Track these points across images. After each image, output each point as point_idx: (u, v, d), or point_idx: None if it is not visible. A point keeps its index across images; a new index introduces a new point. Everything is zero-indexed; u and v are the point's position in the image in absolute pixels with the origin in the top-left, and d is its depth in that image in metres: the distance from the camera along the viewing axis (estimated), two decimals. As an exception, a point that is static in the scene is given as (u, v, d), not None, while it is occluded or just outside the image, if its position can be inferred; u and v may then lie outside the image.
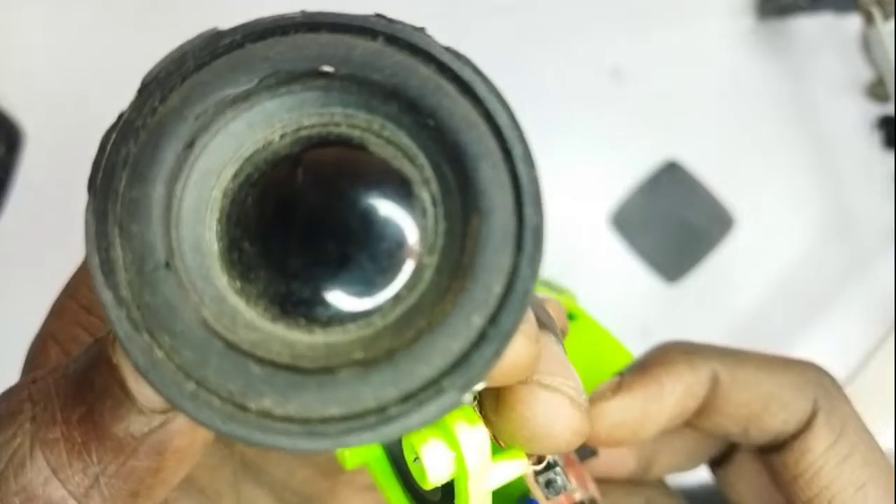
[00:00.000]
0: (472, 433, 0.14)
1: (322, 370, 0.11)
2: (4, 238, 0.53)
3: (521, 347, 0.13)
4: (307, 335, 0.11)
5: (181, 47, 0.12)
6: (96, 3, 0.58)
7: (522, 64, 0.62)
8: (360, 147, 0.11)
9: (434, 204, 0.11)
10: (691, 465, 0.27)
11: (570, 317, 0.28)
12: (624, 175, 0.60)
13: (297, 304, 0.11)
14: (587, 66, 0.61)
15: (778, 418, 0.22)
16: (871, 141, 0.59)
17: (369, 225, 0.11)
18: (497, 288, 0.11)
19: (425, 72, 0.11)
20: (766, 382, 0.23)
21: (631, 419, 0.22)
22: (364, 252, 0.11)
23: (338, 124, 0.12)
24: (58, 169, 0.54)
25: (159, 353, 0.10)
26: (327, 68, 0.11)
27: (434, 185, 0.11)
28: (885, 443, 0.49)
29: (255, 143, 0.11)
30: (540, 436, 0.14)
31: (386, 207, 0.11)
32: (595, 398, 0.22)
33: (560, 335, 0.17)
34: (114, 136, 0.11)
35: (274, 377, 0.10)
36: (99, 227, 0.11)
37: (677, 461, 0.26)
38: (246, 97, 0.11)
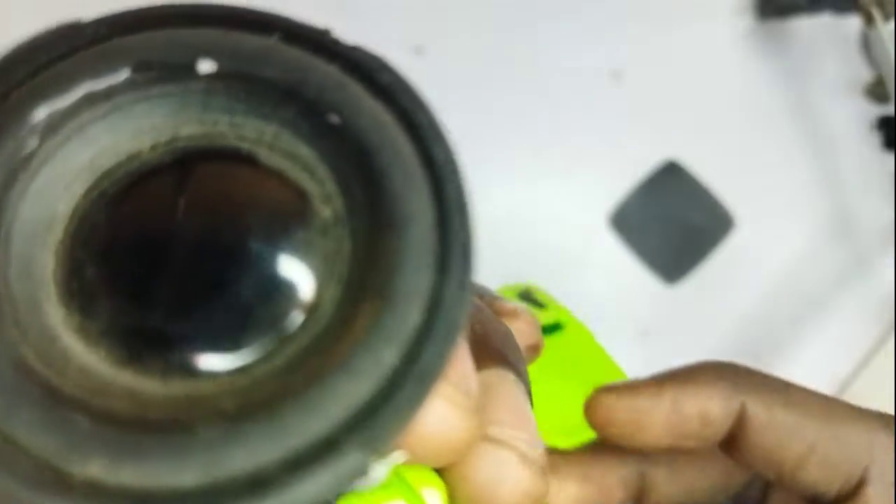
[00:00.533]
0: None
1: (176, 425, 0.08)
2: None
3: (454, 421, 0.11)
4: (161, 386, 0.08)
5: (33, 38, 0.10)
6: (96, 4, 0.58)
7: (523, 64, 0.62)
8: (248, 160, 0.09)
9: (337, 223, 0.09)
10: (707, 497, 0.23)
11: (556, 327, 0.26)
12: (624, 175, 0.60)
13: (151, 347, 0.09)
14: (587, 67, 0.61)
15: (815, 476, 0.19)
16: (871, 141, 0.59)
17: (253, 253, 0.09)
18: (415, 317, 0.08)
19: (327, 68, 0.09)
20: (809, 431, 0.19)
21: (624, 418, 0.20)
22: (243, 285, 0.09)
23: (222, 134, 0.09)
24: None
25: None
26: (208, 64, 0.09)
27: (337, 201, 0.09)
28: (885, 443, 0.48)
29: (118, 153, 0.09)
30: (484, 498, 0.12)
31: (275, 231, 0.09)
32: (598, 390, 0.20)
33: (523, 365, 0.15)
34: None
35: (107, 435, 0.08)
36: None
37: (687, 490, 0.22)
38: (108, 96, 0.09)
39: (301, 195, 0.09)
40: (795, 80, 0.64)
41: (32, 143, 0.09)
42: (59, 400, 0.08)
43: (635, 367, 0.61)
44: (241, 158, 0.09)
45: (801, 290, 0.60)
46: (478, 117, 0.61)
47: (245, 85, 0.09)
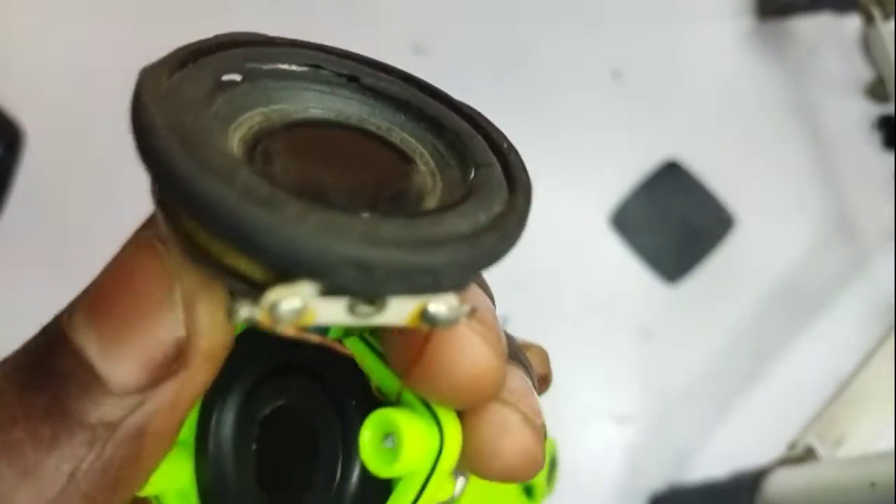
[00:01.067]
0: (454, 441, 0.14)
1: (349, 204, 0.12)
2: (4, 237, 0.53)
3: (487, 357, 0.13)
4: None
5: (250, 33, 0.14)
6: (96, 4, 0.58)
7: (523, 64, 0.62)
8: (372, 132, 0.14)
9: (432, 172, 0.14)
10: None
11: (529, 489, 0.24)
12: (624, 175, 0.60)
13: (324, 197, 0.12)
14: (587, 67, 0.61)
15: None
16: (871, 141, 0.59)
17: (379, 171, 0.13)
18: (497, 206, 0.13)
19: (428, 98, 0.15)
20: None
21: None
22: (380, 178, 0.13)
23: (351, 117, 0.14)
24: (58, 169, 0.54)
25: (194, 163, 0.11)
26: (366, 77, 0.14)
27: (431, 162, 0.14)
28: (886, 443, 0.49)
29: (289, 106, 0.14)
30: (485, 452, 0.14)
31: (390, 162, 0.14)
32: None
33: (533, 376, 0.16)
34: (173, 52, 0.13)
35: (300, 199, 0.11)
36: (155, 79, 0.12)
37: None
38: (290, 68, 0.14)
39: (407, 156, 0.14)
40: (795, 80, 0.63)
41: (241, 69, 0.13)
42: (262, 175, 0.11)
43: (636, 366, 0.61)
44: (366, 132, 0.14)
45: (801, 290, 0.60)
46: (478, 117, 0.61)
47: (375, 95, 0.14)
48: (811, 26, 0.61)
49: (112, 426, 0.12)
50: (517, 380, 0.15)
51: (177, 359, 0.13)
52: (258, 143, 0.13)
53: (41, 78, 0.57)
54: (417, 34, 0.61)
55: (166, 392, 0.13)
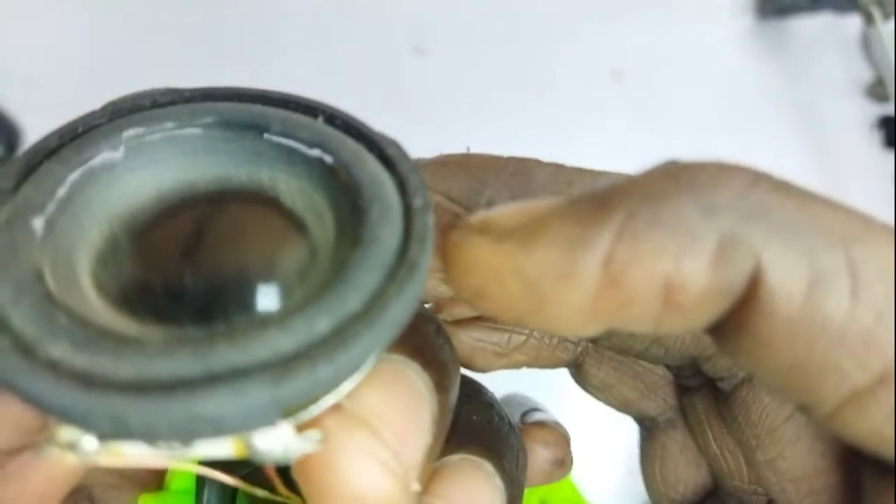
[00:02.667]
0: None
1: (128, 338, 0.10)
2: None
3: (377, 482, 0.11)
4: (139, 326, 0.11)
5: (143, 91, 0.13)
6: (96, 4, 0.58)
7: (523, 64, 0.61)
8: (273, 199, 0.12)
9: (329, 245, 0.12)
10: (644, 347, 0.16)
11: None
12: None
13: (145, 304, 0.11)
14: (587, 67, 0.61)
15: (841, 371, 0.10)
16: (871, 141, 0.59)
17: (247, 251, 0.11)
18: (354, 305, 0.10)
19: (350, 142, 0.12)
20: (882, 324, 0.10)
21: (526, 280, 0.10)
22: (239, 282, 0.11)
23: (256, 177, 0.13)
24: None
25: None
26: (269, 129, 0.12)
27: (331, 231, 0.12)
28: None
29: (180, 175, 0.12)
30: None
31: (274, 248, 0.12)
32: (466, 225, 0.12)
33: (521, 475, 0.14)
34: (54, 133, 0.12)
35: (76, 331, 0.10)
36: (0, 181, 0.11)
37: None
38: (184, 131, 0.12)
39: (300, 225, 0.12)
40: (795, 80, 0.63)
41: (116, 144, 0.12)
42: (51, 301, 0.10)
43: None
44: (267, 196, 0.12)
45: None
46: (477, 116, 0.61)
47: (286, 146, 0.12)
48: (811, 26, 0.61)
49: None
50: (460, 483, 0.12)
51: (42, 431, 0.12)
52: (110, 235, 0.12)
53: (41, 78, 0.57)
54: (417, 34, 0.61)
55: (23, 462, 0.13)
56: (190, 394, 0.09)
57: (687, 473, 0.17)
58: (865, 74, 0.57)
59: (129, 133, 0.12)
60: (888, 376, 0.10)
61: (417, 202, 0.11)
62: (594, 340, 0.17)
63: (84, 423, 0.09)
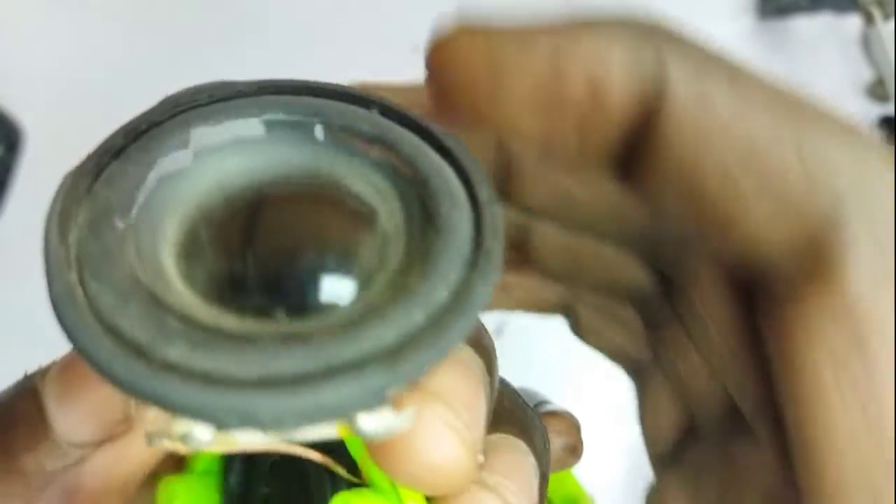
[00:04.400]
0: None
1: (243, 336, 0.10)
2: (4, 238, 0.53)
3: (451, 448, 0.11)
4: (238, 321, 0.11)
5: (199, 85, 0.13)
6: (96, 4, 0.58)
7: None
8: (335, 185, 0.12)
9: (397, 232, 0.12)
10: (592, 224, 0.16)
11: None
12: (624, 175, 0.60)
13: (237, 299, 0.11)
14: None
15: (762, 218, 0.11)
16: (871, 141, 0.59)
17: (321, 243, 0.12)
18: (443, 295, 0.11)
19: (407, 133, 0.13)
20: (763, 133, 0.11)
21: (478, 64, 0.12)
22: (317, 261, 0.12)
23: (318, 168, 0.13)
24: (58, 169, 0.53)
25: (80, 295, 0.10)
26: (323, 121, 0.13)
27: (399, 217, 0.12)
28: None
29: (246, 168, 0.12)
30: None
31: (340, 230, 0.12)
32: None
33: (546, 457, 0.14)
34: (118, 132, 0.12)
35: (190, 332, 0.10)
36: (73, 183, 0.12)
37: (562, 197, 0.16)
38: (246, 126, 0.13)
39: (370, 211, 0.12)
40: (795, 80, 0.63)
41: (182, 141, 0.12)
42: (158, 304, 0.10)
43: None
44: (328, 186, 0.12)
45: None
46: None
47: (346, 137, 0.13)
48: (811, 26, 0.61)
49: (48, 477, 0.12)
50: (505, 458, 0.13)
51: (123, 423, 0.13)
52: (191, 234, 0.12)
53: (41, 78, 0.57)
54: (417, 34, 0.61)
55: (107, 454, 0.13)
56: (315, 387, 0.10)
57: (672, 418, 0.17)
58: (865, 74, 0.57)
59: (194, 130, 0.12)
60: (768, 180, 0.11)
61: (483, 194, 0.12)
62: (551, 215, 0.17)
63: (214, 420, 0.10)
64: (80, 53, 0.57)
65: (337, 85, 0.13)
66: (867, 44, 0.52)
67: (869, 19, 0.49)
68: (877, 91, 0.57)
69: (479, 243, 0.11)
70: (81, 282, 0.10)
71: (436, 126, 0.13)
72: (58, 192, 0.11)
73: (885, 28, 0.48)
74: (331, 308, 0.11)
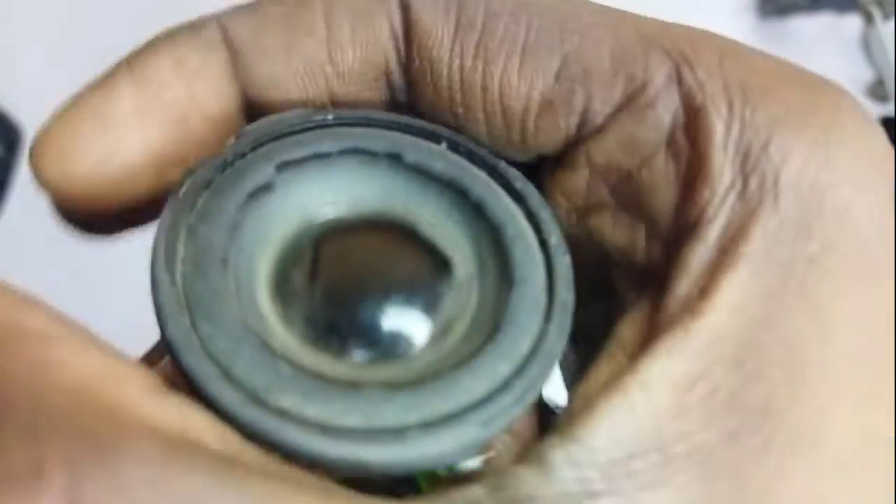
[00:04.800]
0: None
1: (349, 384, 0.11)
2: (4, 238, 0.53)
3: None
4: (333, 365, 0.12)
5: (279, 116, 0.13)
6: (96, 4, 0.59)
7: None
8: (411, 231, 0.13)
9: (469, 280, 0.12)
10: None
11: None
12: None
13: (332, 343, 0.12)
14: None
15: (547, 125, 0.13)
16: (871, 141, 0.59)
17: (409, 291, 0.12)
18: (525, 347, 0.11)
19: (478, 172, 0.13)
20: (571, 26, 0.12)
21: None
22: (400, 313, 0.12)
23: (395, 208, 0.13)
24: (58, 169, 0.53)
25: (195, 338, 0.11)
26: (406, 155, 0.13)
27: (471, 265, 0.13)
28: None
29: (325, 203, 0.13)
30: None
31: (424, 282, 0.12)
32: None
33: None
34: (200, 167, 0.13)
35: (301, 380, 0.11)
36: (173, 220, 0.12)
37: None
38: (325, 159, 0.13)
39: (446, 260, 0.13)
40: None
41: (267, 175, 0.12)
42: (269, 350, 0.11)
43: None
44: (406, 229, 0.13)
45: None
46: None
47: (418, 173, 0.13)
48: (811, 26, 0.61)
49: None
50: None
51: None
52: (283, 273, 0.12)
53: (41, 78, 0.57)
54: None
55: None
56: (420, 439, 0.10)
57: None
58: (865, 74, 0.57)
59: (279, 161, 0.13)
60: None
61: (553, 240, 0.12)
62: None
63: (326, 466, 0.10)
64: (80, 53, 0.57)
65: (410, 118, 0.13)
66: (867, 44, 0.52)
67: (869, 19, 0.49)
68: (877, 91, 0.57)
69: (552, 294, 0.12)
70: (193, 323, 0.11)
71: (503, 166, 0.13)
72: (160, 228, 0.12)
73: (885, 28, 0.48)
74: (414, 353, 0.12)
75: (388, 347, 0.12)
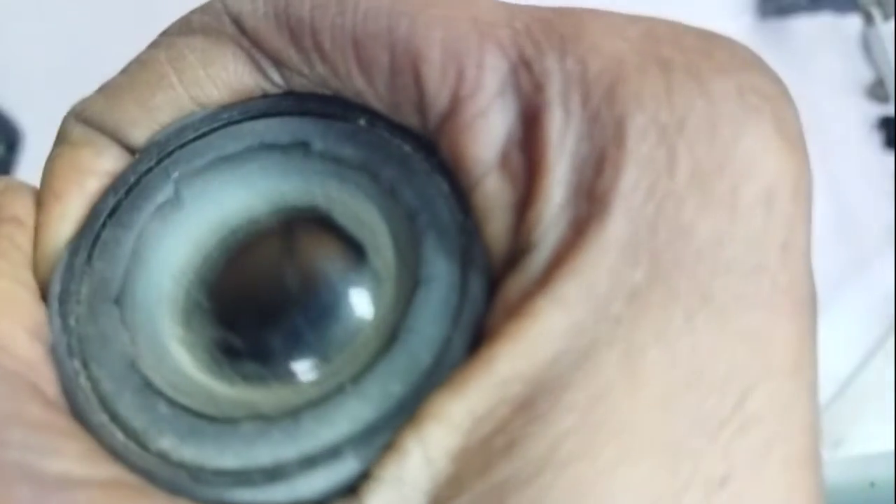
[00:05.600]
0: None
1: (226, 420, 0.10)
2: (4, 238, 0.53)
3: None
4: (230, 388, 0.11)
5: (182, 121, 0.12)
6: (96, 4, 0.58)
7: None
8: (327, 216, 0.12)
9: (388, 272, 0.11)
10: None
11: None
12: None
13: (231, 359, 0.11)
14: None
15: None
16: (871, 141, 0.59)
17: (317, 294, 0.11)
18: (425, 360, 0.10)
19: (397, 148, 0.11)
20: None
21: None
22: (307, 320, 0.11)
23: (313, 194, 0.12)
24: (58, 169, 0.53)
25: (84, 381, 0.11)
26: (315, 144, 0.12)
27: (388, 254, 0.11)
28: (885, 443, 0.49)
29: (240, 214, 0.12)
30: None
31: (336, 278, 0.11)
32: None
33: None
34: (108, 189, 0.12)
35: (178, 420, 0.11)
36: (69, 260, 0.12)
37: None
38: (230, 160, 0.12)
39: (360, 247, 0.12)
40: (795, 81, 0.63)
41: (170, 192, 0.12)
42: (150, 389, 0.11)
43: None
44: (321, 213, 0.12)
45: (801, 290, 0.59)
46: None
47: (330, 163, 0.12)
48: (811, 26, 0.61)
49: None
50: None
51: None
52: (187, 293, 0.12)
53: (41, 78, 0.57)
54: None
55: None
56: (290, 479, 0.10)
57: None
58: (865, 74, 0.57)
59: (178, 174, 0.12)
60: None
61: (471, 222, 0.11)
62: None
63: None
64: (79, 53, 0.57)
65: (324, 95, 0.12)
66: (867, 44, 0.52)
67: (869, 19, 0.49)
68: (877, 91, 0.57)
69: (464, 290, 0.10)
70: (85, 365, 0.11)
71: (424, 134, 0.12)
72: (56, 270, 0.12)
73: (885, 28, 0.48)
74: (317, 367, 0.11)
75: (281, 365, 0.11)
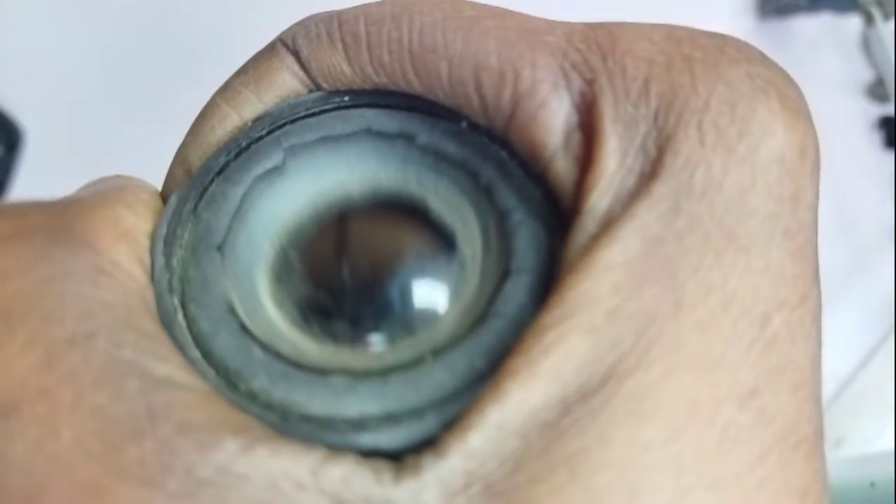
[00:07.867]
0: None
1: (316, 370, 0.11)
2: (4, 238, 0.53)
3: None
4: (316, 345, 0.12)
5: (298, 99, 0.14)
6: (96, 4, 0.58)
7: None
8: (421, 203, 0.13)
9: (474, 262, 0.12)
10: None
11: None
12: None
13: (320, 319, 0.12)
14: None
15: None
16: (871, 141, 0.59)
17: (409, 271, 0.12)
18: (511, 340, 0.11)
19: (496, 152, 0.13)
20: None
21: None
22: (391, 292, 0.12)
23: (408, 181, 0.13)
24: (58, 169, 0.53)
25: (181, 318, 0.11)
26: (414, 134, 0.13)
27: (477, 244, 0.12)
28: (885, 443, 0.49)
29: (336, 185, 0.13)
30: None
31: (427, 260, 0.13)
32: None
33: None
34: (221, 150, 0.13)
35: (270, 365, 0.11)
36: (178, 206, 0.12)
37: None
38: (337, 141, 0.13)
39: (451, 241, 0.13)
40: (795, 80, 0.63)
41: (278, 159, 0.13)
42: (246, 333, 0.11)
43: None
44: (414, 211, 0.13)
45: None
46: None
47: (432, 157, 0.13)
48: (811, 26, 0.61)
49: None
50: None
51: None
52: (284, 255, 0.13)
53: (41, 78, 0.57)
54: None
55: None
56: (374, 432, 0.10)
57: None
58: (865, 74, 0.57)
59: (288, 145, 0.13)
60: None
61: (560, 227, 0.12)
62: None
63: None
64: (80, 54, 0.57)
65: (430, 98, 0.13)
66: (867, 44, 0.52)
67: (869, 19, 0.49)
68: (877, 91, 0.57)
69: (550, 283, 0.11)
70: (183, 305, 0.12)
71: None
72: (164, 214, 0.12)
73: (885, 28, 0.48)
74: (403, 336, 0.12)
75: (371, 330, 0.12)
